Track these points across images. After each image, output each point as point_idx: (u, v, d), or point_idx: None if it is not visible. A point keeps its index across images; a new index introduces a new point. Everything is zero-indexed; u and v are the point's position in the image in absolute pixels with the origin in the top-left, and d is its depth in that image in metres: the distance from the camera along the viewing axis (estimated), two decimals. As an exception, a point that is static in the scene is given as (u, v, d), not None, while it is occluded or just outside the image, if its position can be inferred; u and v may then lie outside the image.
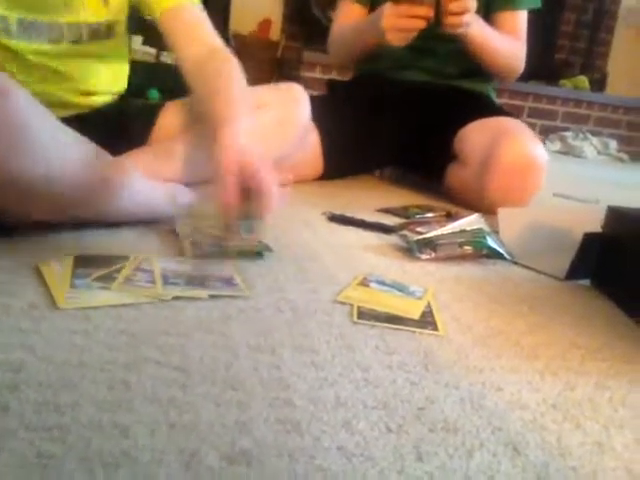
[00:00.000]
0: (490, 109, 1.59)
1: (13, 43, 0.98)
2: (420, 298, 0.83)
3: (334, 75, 3.01)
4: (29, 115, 0.74)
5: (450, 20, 1.37)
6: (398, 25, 1.39)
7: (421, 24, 1.39)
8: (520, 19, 1.61)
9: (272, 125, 1.12)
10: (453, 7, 1.35)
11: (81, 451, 0.44)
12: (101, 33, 1.06)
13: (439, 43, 1.59)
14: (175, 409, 0.51)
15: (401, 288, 0.86)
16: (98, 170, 0.85)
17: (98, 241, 0.90)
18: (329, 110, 1.54)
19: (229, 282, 0.80)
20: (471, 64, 1.62)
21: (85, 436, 0.46)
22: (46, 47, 1.01)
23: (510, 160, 1.34)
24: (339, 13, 1.71)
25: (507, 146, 1.35)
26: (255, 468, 0.45)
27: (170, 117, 1.14)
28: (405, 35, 1.41)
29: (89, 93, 1.11)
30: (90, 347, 0.59)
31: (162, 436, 0.47)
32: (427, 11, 1.36)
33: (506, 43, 1.57)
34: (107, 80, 1.13)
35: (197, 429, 0.48)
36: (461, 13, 1.36)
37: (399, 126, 1.61)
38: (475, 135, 1.48)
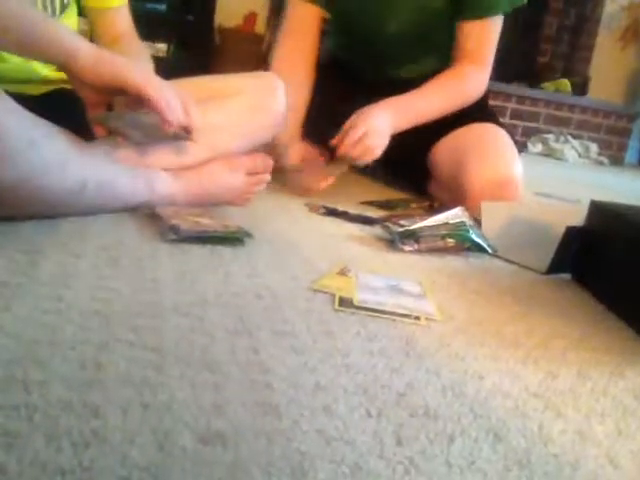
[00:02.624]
0: (463, 115, 1.45)
1: None
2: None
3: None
4: (6, 118, 0.72)
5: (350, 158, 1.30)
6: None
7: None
8: (489, 29, 1.41)
9: (245, 111, 1.11)
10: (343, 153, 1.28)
11: (48, 429, 0.42)
12: (56, 8, 1.03)
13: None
14: (149, 390, 0.49)
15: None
16: (74, 172, 0.83)
17: (71, 229, 0.87)
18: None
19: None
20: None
21: (53, 415, 0.44)
22: None
23: (480, 186, 1.27)
24: (289, 16, 1.52)
25: (475, 172, 1.28)
26: (230, 449, 0.43)
27: None
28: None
29: None
30: (62, 326, 0.57)
31: (134, 416, 0.45)
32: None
33: (442, 98, 1.41)
34: None
35: (171, 410, 0.47)
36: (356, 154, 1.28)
37: None
38: (444, 157, 1.42)
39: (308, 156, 1.41)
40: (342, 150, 1.28)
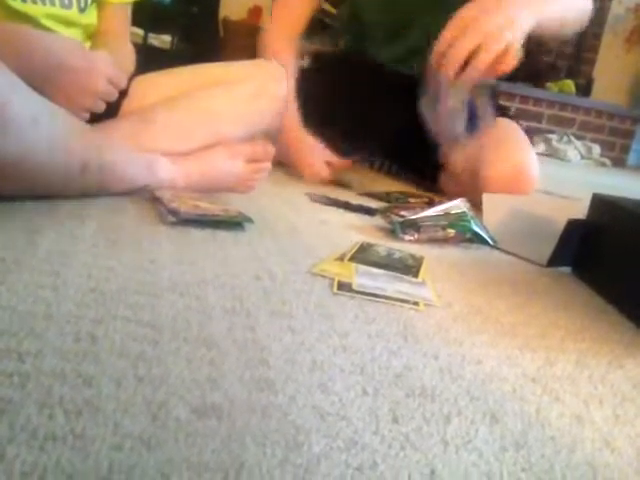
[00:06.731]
0: None
1: (28, 7, 0.97)
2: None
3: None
4: (9, 93, 0.71)
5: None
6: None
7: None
8: None
9: (247, 98, 1.11)
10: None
11: (41, 397, 0.41)
12: (88, 2, 1.07)
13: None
14: (144, 363, 0.48)
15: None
16: (76, 153, 0.83)
17: (70, 210, 0.87)
18: (319, 89, 1.51)
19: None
20: None
21: (46, 384, 0.43)
22: (59, 11, 1.01)
23: (497, 174, 1.27)
24: None
25: (493, 158, 1.29)
26: (225, 422, 0.43)
27: (142, 89, 1.11)
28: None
29: None
30: (58, 301, 0.57)
31: (129, 388, 0.45)
32: None
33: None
34: None
35: (166, 383, 0.46)
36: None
37: (390, 120, 1.58)
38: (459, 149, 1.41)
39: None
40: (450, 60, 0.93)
